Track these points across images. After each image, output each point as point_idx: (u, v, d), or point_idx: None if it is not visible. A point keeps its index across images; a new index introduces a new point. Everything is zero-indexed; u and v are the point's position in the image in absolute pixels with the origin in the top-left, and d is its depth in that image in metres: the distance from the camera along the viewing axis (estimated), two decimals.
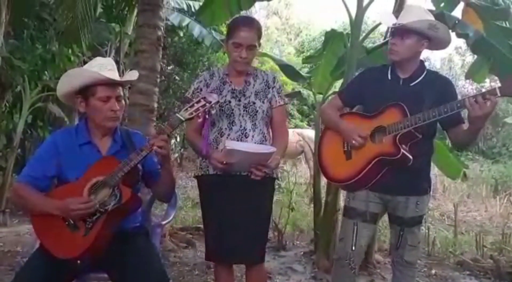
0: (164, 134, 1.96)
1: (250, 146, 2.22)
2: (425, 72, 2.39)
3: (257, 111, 2.34)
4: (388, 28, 2.40)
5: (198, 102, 1.98)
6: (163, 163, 2.07)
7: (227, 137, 2.29)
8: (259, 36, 2.36)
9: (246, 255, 2.32)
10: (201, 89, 2.38)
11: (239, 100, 2.35)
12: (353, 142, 2.33)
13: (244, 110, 2.33)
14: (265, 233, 2.42)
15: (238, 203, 2.27)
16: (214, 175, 2.32)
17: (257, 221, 2.33)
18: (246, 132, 2.31)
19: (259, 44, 2.38)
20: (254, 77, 2.43)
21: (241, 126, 2.32)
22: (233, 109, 2.32)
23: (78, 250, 1.92)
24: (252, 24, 2.32)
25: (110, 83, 2.05)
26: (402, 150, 2.23)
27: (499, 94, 2.03)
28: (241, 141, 2.29)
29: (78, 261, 1.93)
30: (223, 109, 2.32)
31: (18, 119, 6.01)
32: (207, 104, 1.98)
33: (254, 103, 2.35)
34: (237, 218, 2.27)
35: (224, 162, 2.15)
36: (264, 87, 2.41)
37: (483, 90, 2.15)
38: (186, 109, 1.97)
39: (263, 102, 2.37)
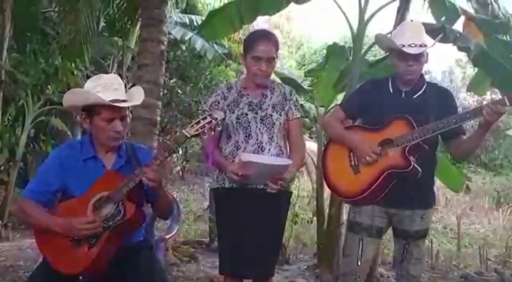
0: (155, 166, 1.94)
1: (265, 158, 2.22)
2: (425, 85, 2.40)
3: (274, 123, 2.34)
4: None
5: (204, 119, 1.97)
6: (155, 191, 2.04)
7: (243, 151, 2.30)
8: (277, 48, 2.37)
9: (260, 269, 2.32)
10: (218, 102, 2.40)
11: (256, 113, 2.35)
12: (367, 158, 2.29)
13: (261, 123, 2.33)
14: (279, 247, 2.44)
15: (253, 216, 2.27)
16: (230, 187, 2.33)
17: (271, 235, 2.33)
18: (262, 146, 2.32)
19: (277, 56, 2.38)
20: (272, 90, 2.43)
21: (257, 139, 2.32)
22: (250, 122, 2.33)
23: (80, 266, 1.91)
24: (270, 37, 2.35)
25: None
26: (412, 162, 2.22)
27: (507, 104, 2.07)
28: (257, 154, 2.29)
29: (80, 277, 1.92)
30: (240, 121, 2.33)
31: (20, 133, 6.04)
32: (213, 121, 1.96)
33: (271, 115, 2.35)
34: (252, 231, 2.27)
35: (240, 174, 2.15)
36: (282, 99, 2.41)
37: (485, 102, 2.18)
38: (192, 125, 1.96)
39: (280, 115, 2.37)
